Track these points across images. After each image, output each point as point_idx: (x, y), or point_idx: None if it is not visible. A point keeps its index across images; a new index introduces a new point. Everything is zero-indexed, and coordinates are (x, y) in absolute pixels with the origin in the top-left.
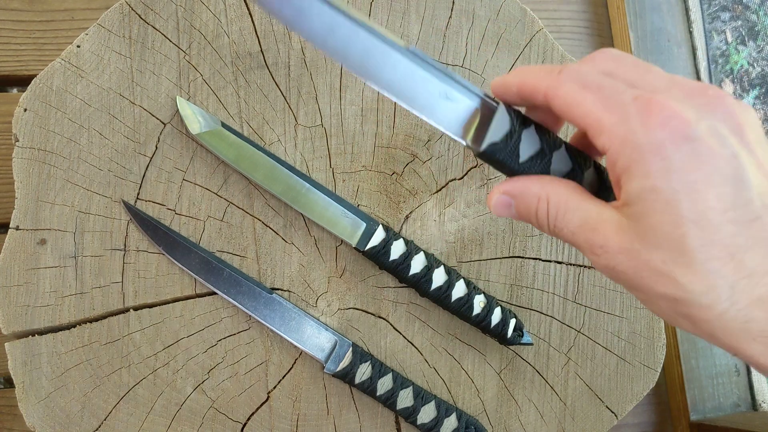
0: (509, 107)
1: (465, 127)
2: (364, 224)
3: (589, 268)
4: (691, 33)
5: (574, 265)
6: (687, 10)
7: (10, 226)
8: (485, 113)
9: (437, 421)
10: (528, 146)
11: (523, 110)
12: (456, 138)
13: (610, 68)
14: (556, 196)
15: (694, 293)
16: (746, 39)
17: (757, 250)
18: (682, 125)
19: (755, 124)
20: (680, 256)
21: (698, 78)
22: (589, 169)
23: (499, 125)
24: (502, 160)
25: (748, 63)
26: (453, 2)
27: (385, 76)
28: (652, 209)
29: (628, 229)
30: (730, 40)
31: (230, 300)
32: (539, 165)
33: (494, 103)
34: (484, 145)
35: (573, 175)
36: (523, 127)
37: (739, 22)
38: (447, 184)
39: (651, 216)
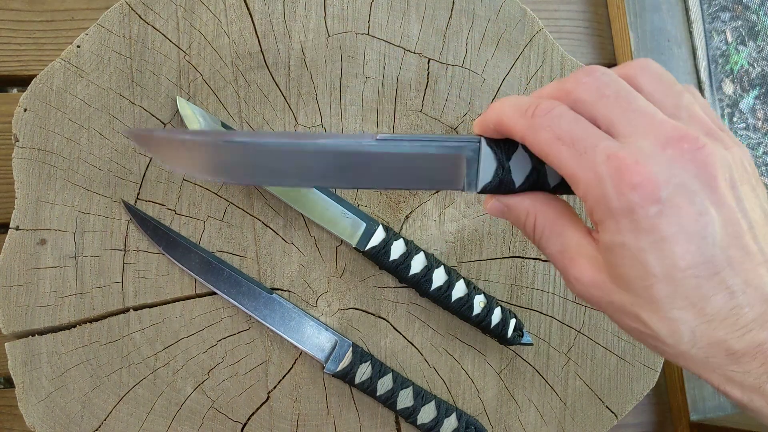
0: (491, 142)
1: (457, 180)
2: (364, 224)
3: None
4: (691, 33)
5: None
6: (687, 10)
7: (10, 226)
8: (470, 156)
9: (437, 421)
10: (519, 171)
11: None
12: (458, 191)
13: (589, 99)
14: (543, 217)
15: (660, 334)
16: (746, 39)
17: (716, 299)
18: (652, 188)
19: (730, 166)
20: (647, 303)
21: (698, 78)
22: None
23: (487, 165)
24: (503, 191)
25: (748, 63)
26: (453, 2)
27: (365, 179)
28: (622, 261)
29: (602, 268)
30: (730, 40)
31: (230, 300)
32: (536, 181)
33: (476, 144)
34: (479, 188)
35: (562, 184)
36: (509, 155)
37: (739, 22)
38: None
39: (622, 267)
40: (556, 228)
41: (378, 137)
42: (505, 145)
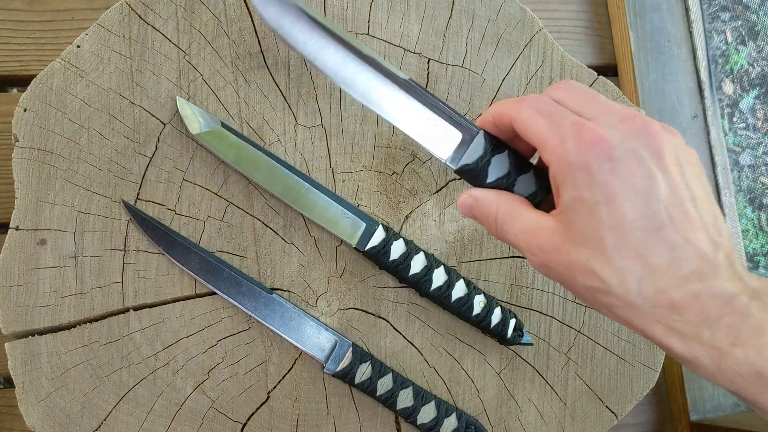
0: (488, 136)
1: (446, 148)
2: (364, 224)
3: None
4: (691, 33)
5: None
6: (687, 10)
7: (10, 226)
8: (465, 138)
9: (437, 421)
10: (496, 169)
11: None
12: (437, 156)
13: (563, 96)
14: (505, 205)
15: (610, 284)
16: (746, 39)
17: (660, 252)
18: (606, 148)
19: (675, 147)
20: (600, 255)
21: (698, 78)
22: (550, 194)
23: (474, 150)
24: (473, 178)
25: (748, 63)
26: (453, 2)
27: (384, 105)
28: (578, 216)
29: (560, 233)
30: (730, 40)
31: (230, 300)
32: (504, 185)
33: (475, 131)
34: (458, 165)
35: (533, 196)
36: (495, 153)
37: (739, 22)
38: (447, 184)
39: (578, 221)
40: (516, 213)
41: (409, 78)
42: (495, 144)
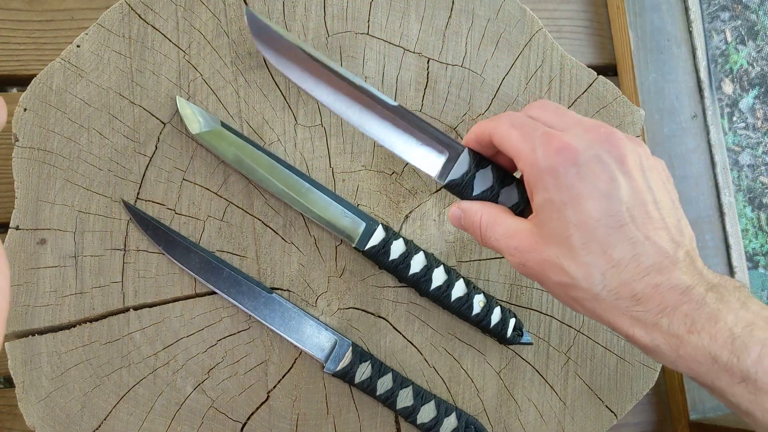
0: (472, 153)
1: (434, 166)
2: (364, 224)
3: None
4: (690, 32)
5: None
6: (687, 9)
7: (10, 225)
8: (452, 156)
9: (437, 421)
10: (481, 183)
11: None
12: (427, 173)
13: (537, 113)
14: (488, 214)
15: (577, 279)
16: (746, 39)
17: (622, 247)
18: (572, 153)
19: (639, 155)
20: (568, 251)
21: (698, 78)
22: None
23: (460, 166)
24: (460, 191)
25: (748, 63)
26: (453, 2)
27: (376, 131)
28: (548, 217)
29: (534, 234)
30: (729, 39)
31: (230, 300)
32: (489, 196)
33: (460, 149)
34: (446, 181)
35: (516, 206)
36: (479, 168)
37: (739, 22)
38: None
39: (548, 222)
40: (498, 219)
41: (398, 104)
42: (479, 160)
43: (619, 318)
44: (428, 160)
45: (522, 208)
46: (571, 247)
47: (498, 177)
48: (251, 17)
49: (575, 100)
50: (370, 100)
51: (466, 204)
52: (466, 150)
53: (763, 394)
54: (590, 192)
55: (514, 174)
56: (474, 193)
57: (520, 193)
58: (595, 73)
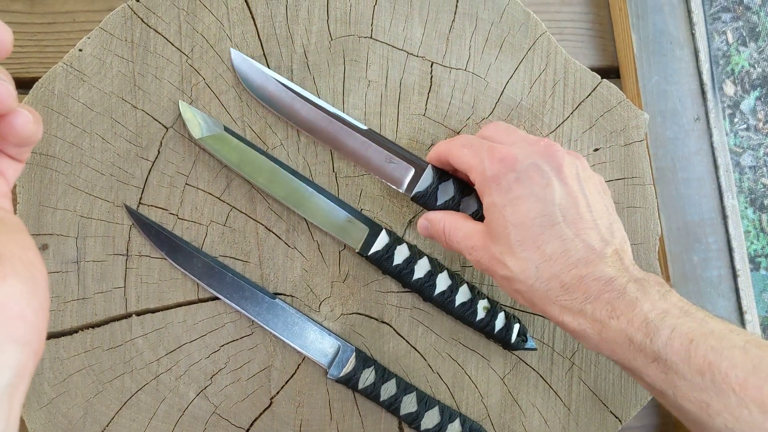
0: (435, 168)
1: (402, 181)
2: (368, 229)
3: None
4: (693, 35)
5: None
6: (689, 12)
7: None
8: (418, 171)
9: (441, 427)
10: (443, 194)
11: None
12: (395, 188)
13: (489, 134)
14: (451, 220)
15: (515, 272)
16: (747, 40)
17: (553, 243)
18: (512, 161)
19: (576, 166)
20: (507, 248)
21: (701, 80)
22: None
23: (425, 180)
24: (425, 203)
25: (749, 64)
26: (456, 5)
27: (349, 151)
28: (493, 218)
29: (484, 234)
30: (731, 41)
31: (233, 305)
32: (451, 206)
33: (425, 165)
34: (413, 193)
35: (475, 213)
36: (440, 181)
37: (740, 23)
38: None
39: (492, 222)
40: (458, 224)
41: (368, 128)
42: (441, 174)
43: (550, 306)
44: (396, 176)
45: (481, 215)
46: (510, 244)
47: (458, 188)
48: (237, 57)
49: (579, 104)
50: (342, 125)
51: (431, 214)
52: (429, 166)
53: (673, 373)
54: (527, 195)
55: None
56: (438, 203)
57: (478, 202)
58: (599, 76)
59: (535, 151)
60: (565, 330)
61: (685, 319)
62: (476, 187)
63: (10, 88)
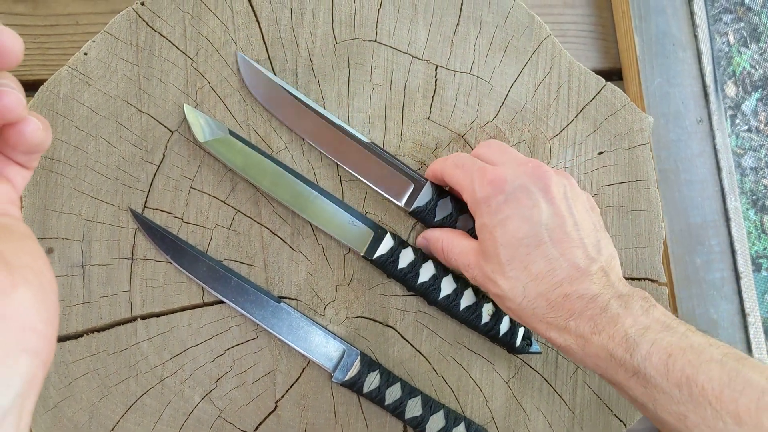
0: (433, 185)
1: (401, 196)
2: (373, 232)
3: None
4: (696, 36)
5: None
6: (692, 14)
7: None
8: (417, 187)
9: (446, 431)
10: (441, 211)
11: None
12: (395, 202)
13: (482, 152)
14: (448, 239)
15: (505, 291)
16: (749, 41)
17: (539, 263)
18: (501, 183)
19: (564, 185)
20: (498, 267)
21: (703, 82)
22: None
23: (424, 196)
24: (423, 218)
25: (751, 65)
26: (461, 9)
27: (352, 163)
28: (484, 238)
29: (477, 252)
30: (732, 42)
31: (238, 309)
32: (448, 222)
33: (423, 181)
34: (412, 208)
35: (472, 230)
36: (439, 198)
37: (742, 24)
38: None
39: (484, 242)
40: (455, 242)
41: (370, 141)
42: (439, 191)
43: (538, 323)
44: (396, 190)
45: (474, 233)
46: (501, 263)
47: (455, 206)
48: (243, 61)
49: (583, 108)
50: (345, 136)
51: (429, 233)
52: (428, 182)
53: (652, 387)
54: (515, 216)
55: None
56: (436, 219)
57: (472, 219)
58: (604, 80)
59: (523, 173)
60: (552, 345)
61: (665, 333)
62: (469, 207)
63: (21, 96)
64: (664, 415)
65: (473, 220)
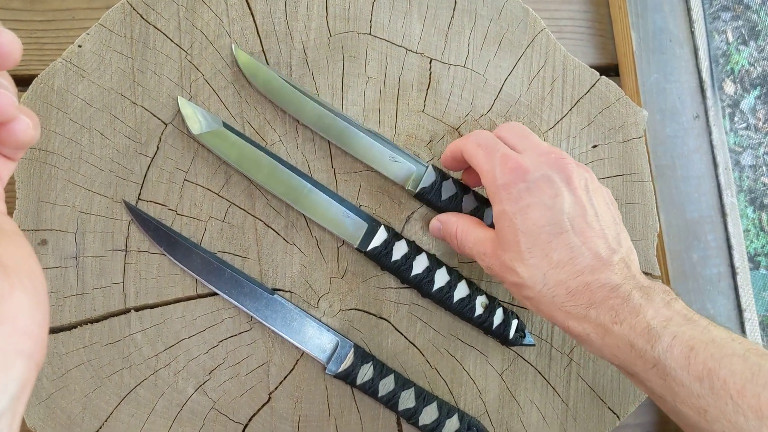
0: (436, 168)
1: (405, 178)
2: (366, 225)
3: None
4: (692, 33)
5: None
6: (689, 10)
7: None
8: (420, 169)
9: (439, 423)
10: (446, 191)
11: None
12: (400, 184)
13: (504, 134)
14: (463, 225)
15: (524, 279)
16: (747, 39)
17: (561, 251)
18: (523, 172)
19: (585, 178)
20: (517, 255)
21: (700, 79)
22: (489, 207)
23: (428, 177)
24: (429, 199)
25: (749, 63)
26: (455, 2)
27: (354, 147)
28: (503, 226)
29: (495, 241)
30: (731, 40)
31: (231, 301)
32: (454, 203)
33: (425, 164)
34: (418, 189)
35: (477, 209)
36: (443, 179)
37: (740, 22)
38: None
39: (503, 230)
40: (470, 230)
41: (369, 128)
42: (442, 173)
43: (556, 312)
44: (401, 174)
45: (481, 213)
46: (520, 251)
47: (459, 186)
48: (239, 55)
49: (578, 101)
50: (345, 122)
51: (444, 216)
52: (430, 165)
53: (671, 379)
54: (536, 204)
55: (474, 189)
56: (442, 199)
57: (478, 200)
58: (598, 73)
59: (545, 162)
60: (570, 335)
61: (687, 326)
62: (487, 191)
63: (12, 97)
64: (684, 409)
65: (477, 202)
